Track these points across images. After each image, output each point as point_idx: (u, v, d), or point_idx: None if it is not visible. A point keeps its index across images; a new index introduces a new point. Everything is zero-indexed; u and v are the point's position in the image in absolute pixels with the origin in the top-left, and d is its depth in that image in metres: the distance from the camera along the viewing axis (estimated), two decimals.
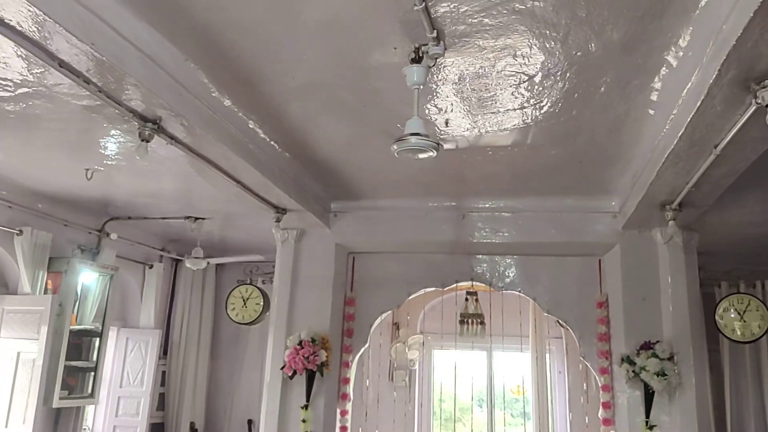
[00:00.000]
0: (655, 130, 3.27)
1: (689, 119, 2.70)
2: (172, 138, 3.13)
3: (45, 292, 5.19)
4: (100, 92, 2.69)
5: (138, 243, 6.39)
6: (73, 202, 5.38)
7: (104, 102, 2.76)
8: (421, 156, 3.01)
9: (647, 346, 4.25)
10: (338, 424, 4.97)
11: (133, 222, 5.91)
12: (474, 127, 3.49)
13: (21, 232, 4.99)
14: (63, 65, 2.41)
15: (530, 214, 4.84)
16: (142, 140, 2.95)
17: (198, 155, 3.39)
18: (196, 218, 5.58)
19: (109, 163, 4.33)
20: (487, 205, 4.91)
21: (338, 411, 4.99)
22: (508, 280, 5.10)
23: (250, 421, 6.96)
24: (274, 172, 3.97)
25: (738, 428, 5.96)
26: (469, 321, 5.43)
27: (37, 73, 2.84)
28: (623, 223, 4.48)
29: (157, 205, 5.40)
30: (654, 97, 3.03)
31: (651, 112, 3.18)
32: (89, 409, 6.20)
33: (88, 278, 5.55)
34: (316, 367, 4.67)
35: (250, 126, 3.54)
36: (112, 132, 3.70)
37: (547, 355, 6.86)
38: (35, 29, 2.19)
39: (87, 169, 4.50)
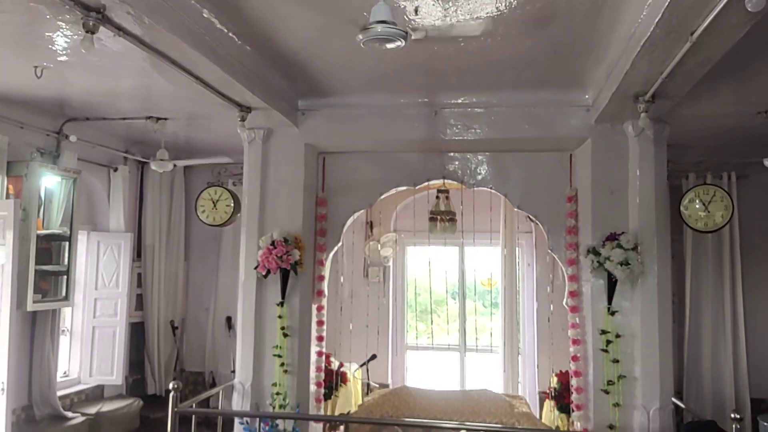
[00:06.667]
0: (632, 16, 3.13)
1: (667, 3, 2.58)
2: (120, 29, 2.90)
3: (7, 197, 5.05)
4: None
5: (99, 145, 6.17)
6: (26, 102, 5.12)
7: None
8: (389, 46, 2.87)
9: (612, 238, 4.35)
10: (314, 319, 5.10)
11: (91, 123, 5.67)
12: (445, 16, 3.30)
13: None
14: None
15: (503, 109, 4.75)
16: (87, 31, 2.73)
17: (150, 48, 3.18)
18: (158, 118, 5.37)
19: (60, 59, 4.07)
20: (460, 101, 4.79)
21: (314, 307, 5.11)
22: (479, 177, 5.09)
23: (229, 318, 7.15)
24: (234, 66, 3.76)
25: (695, 313, 6.31)
26: (440, 218, 5.47)
27: None
28: (596, 117, 4.43)
29: (116, 104, 5.16)
30: None
31: None
32: (66, 312, 6.27)
33: (50, 182, 5.40)
34: (289, 266, 4.72)
35: (205, 15, 3.29)
36: (58, 24, 3.43)
37: (517, 249, 7.05)
38: None
39: (36, 67, 4.25)
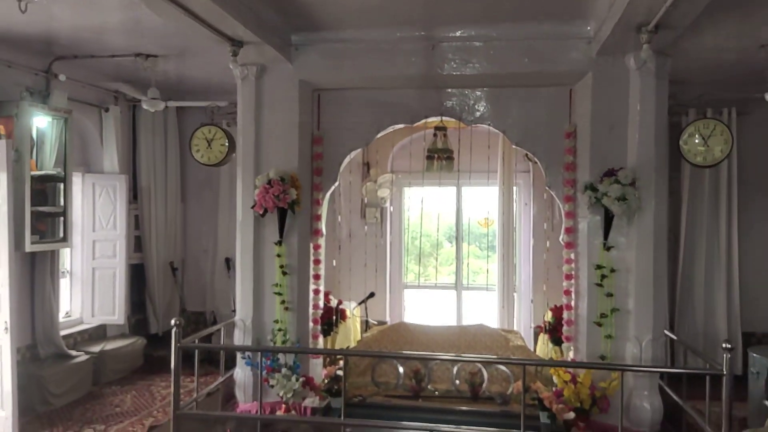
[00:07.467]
0: None
1: None
2: None
3: None
4: None
5: (90, 85, 6.05)
6: (12, 40, 4.97)
7: None
8: None
9: (611, 173, 4.34)
10: (312, 258, 5.14)
11: (80, 61, 5.53)
12: None
13: None
14: None
15: (503, 42, 4.64)
16: None
17: None
18: (148, 55, 5.24)
19: None
20: (458, 34, 4.67)
21: (311, 245, 5.13)
22: (478, 113, 5.02)
23: (227, 260, 7.20)
24: None
25: (690, 250, 6.37)
26: (437, 156, 5.42)
27: None
28: (597, 49, 4.33)
29: (104, 40, 5.02)
30: None
31: None
32: (65, 253, 6.30)
33: (41, 122, 5.32)
34: (287, 205, 4.72)
35: None
36: None
37: (515, 188, 7.05)
38: None
39: (20, 1, 4.10)
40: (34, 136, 5.28)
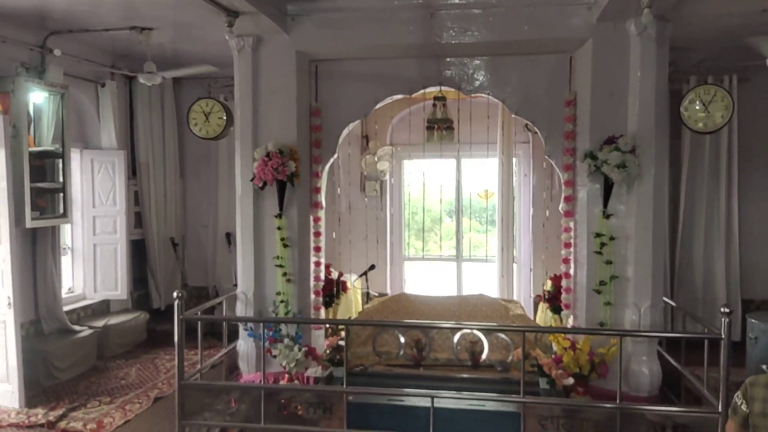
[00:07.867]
0: None
1: None
2: None
3: None
4: None
5: (85, 60, 5.99)
6: (6, 14, 4.93)
7: None
8: None
9: (610, 141, 4.32)
10: (312, 230, 5.14)
11: (75, 36, 5.48)
12: None
13: None
14: None
15: (502, 9, 4.58)
16: None
17: None
18: (143, 29, 5.17)
19: None
20: (456, 1, 4.61)
21: (311, 218, 5.14)
22: (477, 82, 4.97)
23: (228, 234, 7.22)
24: None
25: (689, 217, 6.38)
26: (437, 127, 5.38)
27: None
28: (598, 15, 4.28)
29: (99, 14, 4.96)
30: None
31: None
32: (66, 229, 6.31)
33: (37, 98, 5.29)
34: (286, 178, 4.71)
35: None
36: None
37: (514, 160, 7.03)
38: None
39: None
40: (31, 111, 5.26)
